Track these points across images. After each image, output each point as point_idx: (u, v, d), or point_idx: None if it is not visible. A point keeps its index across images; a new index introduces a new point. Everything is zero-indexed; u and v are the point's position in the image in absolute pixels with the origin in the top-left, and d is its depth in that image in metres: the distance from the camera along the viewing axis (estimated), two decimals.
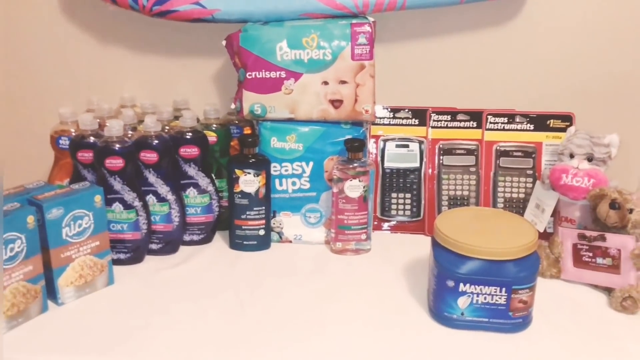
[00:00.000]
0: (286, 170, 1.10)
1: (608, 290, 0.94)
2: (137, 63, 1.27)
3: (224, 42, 1.10)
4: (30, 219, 0.83)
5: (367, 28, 1.05)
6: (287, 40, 1.05)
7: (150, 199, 1.03)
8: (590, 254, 0.95)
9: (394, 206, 1.17)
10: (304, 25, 1.06)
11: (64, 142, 1.06)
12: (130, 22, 1.22)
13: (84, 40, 1.26)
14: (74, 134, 1.05)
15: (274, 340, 0.82)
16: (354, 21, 1.05)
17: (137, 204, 1.00)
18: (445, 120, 1.17)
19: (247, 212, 1.07)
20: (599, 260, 0.94)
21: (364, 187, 1.05)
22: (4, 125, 1.33)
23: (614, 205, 0.92)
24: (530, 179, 1.14)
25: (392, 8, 1.10)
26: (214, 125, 1.13)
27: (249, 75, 1.07)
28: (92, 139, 1.00)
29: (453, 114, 1.17)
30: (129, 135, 1.02)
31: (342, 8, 1.08)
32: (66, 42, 1.27)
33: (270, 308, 0.90)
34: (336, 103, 1.07)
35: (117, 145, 0.97)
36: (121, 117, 1.07)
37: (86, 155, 1.00)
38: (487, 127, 1.16)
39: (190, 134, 1.06)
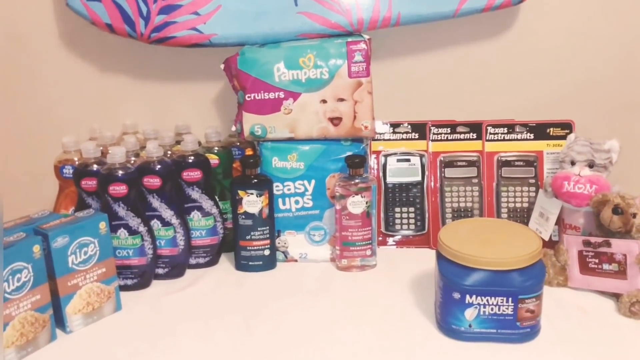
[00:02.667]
0: (289, 190, 1.11)
1: (616, 296, 0.93)
2: (137, 90, 1.28)
3: (222, 66, 1.11)
4: (36, 249, 0.84)
5: (362, 45, 1.06)
6: (285, 61, 1.07)
7: (155, 223, 1.04)
8: (596, 260, 0.94)
9: (398, 221, 1.17)
10: (300, 45, 1.08)
11: (68, 171, 1.07)
12: (129, 49, 1.24)
13: (84, 69, 1.28)
14: (77, 162, 1.07)
15: None
16: (350, 39, 1.07)
17: (142, 229, 1.00)
18: (445, 133, 1.18)
19: (252, 233, 1.08)
20: (605, 266, 0.94)
21: (366, 202, 1.05)
22: (9, 156, 1.34)
23: (616, 210, 0.92)
24: (533, 188, 1.14)
25: (386, 25, 1.11)
26: (216, 148, 1.14)
27: (248, 97, 1.08)
28: (95, 166, 1.01)
29: (452, 126, 1.18)
30: (132, 162, 1.03)
31: (337, 27, 1.10)
32: (67, 73, 1.28)
33: (277, 328, 0.90)
34: (335, 121, 1.08)
35: (120, 172, 0.98)
36: (123, 144, 1.08)
37: (90, 183, 1.01)
38: (487, 138, 1.17)
39: (192, 157, 1.07)
